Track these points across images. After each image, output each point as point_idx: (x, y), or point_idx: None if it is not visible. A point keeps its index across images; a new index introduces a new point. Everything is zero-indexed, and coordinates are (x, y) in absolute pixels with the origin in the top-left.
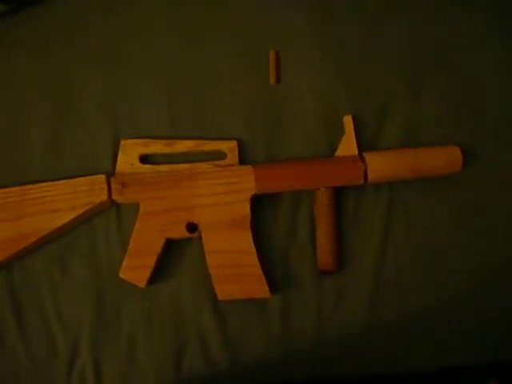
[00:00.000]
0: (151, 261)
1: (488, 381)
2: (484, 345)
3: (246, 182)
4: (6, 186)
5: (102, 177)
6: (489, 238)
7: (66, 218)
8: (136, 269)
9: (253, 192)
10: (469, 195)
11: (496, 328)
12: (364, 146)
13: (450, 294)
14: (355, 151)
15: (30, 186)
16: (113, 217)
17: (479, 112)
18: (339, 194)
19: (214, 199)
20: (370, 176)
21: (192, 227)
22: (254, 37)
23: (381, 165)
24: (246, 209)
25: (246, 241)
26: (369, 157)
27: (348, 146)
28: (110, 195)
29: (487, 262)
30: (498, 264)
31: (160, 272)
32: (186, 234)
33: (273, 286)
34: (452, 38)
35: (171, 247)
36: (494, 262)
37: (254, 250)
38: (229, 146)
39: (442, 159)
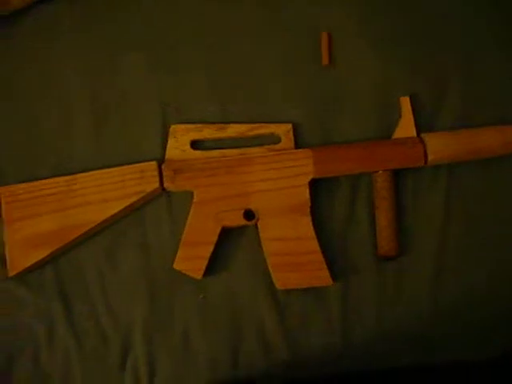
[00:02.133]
0: (207, 251)
1: None
2: None
3: (305, 166)
4: (51, 176)
5: (153, 163)
6: None
7: (115, 207)
8: (191, 259)
9: (311, 176)
10: None
11: None
12: (421, 127)
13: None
14: (414, 133)
15: (76, 176)
16: (163, 205)
17: None
18: (397, 178)
19: (271, 184)
20: (430, 157)
21: (249, 214)
22: (306, 18)
23: (440, 146)
24: (306, 194)
25: (306, 227)
26: (428, 138)
27: (406, 127)
28: (161, 183)
29: None
30: None
31: (214, 262)
32: (243, 222)
33: (332, 274)
34: (503, 24)
35: (225, 236)
36: None
37: (314, 236)
38: (284, 130)
39: (500, 139)
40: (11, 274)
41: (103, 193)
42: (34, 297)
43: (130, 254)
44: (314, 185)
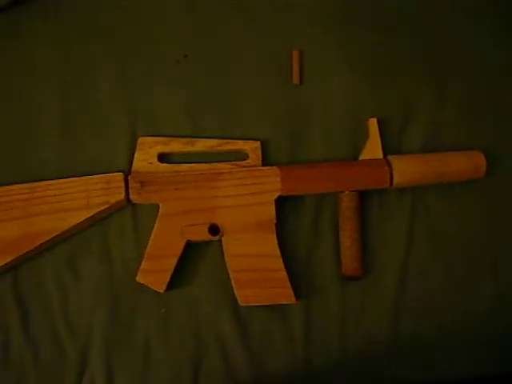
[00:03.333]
0: (171, 264)
1: None
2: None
3: (272, 184)
4: (15, 183)
5: (119, 175)
6: None
7: (78, 217)
8: (155, 272)
9: (278, 194)
10: (493, 201)
11: None
12: (387, 149)
13: (475, 301)
14: (380, 155)
15: (40, 184)
16: (128, 217)
17: (504, 117)
18: (363, 198)
19: (238, 200)
20: (396, 180)
21: (214, 229)
22: (280, 36)
23: (406, 168)
24: (272, 211)
25: (271, 244)
26: (394, 160)
27: (373, 149)
28: (126, 195)
29: None
30: None
31: (178, 276)
32: (208, 237)
33: (296, 292)
34: (477, 45)
35: (189, 250)
36: None
37: (279, 253)
38: (252, 147)
39: (466, 164)
40: None
41: (67, 202)
42: None
43: (92, 265)
44: (280, 202)
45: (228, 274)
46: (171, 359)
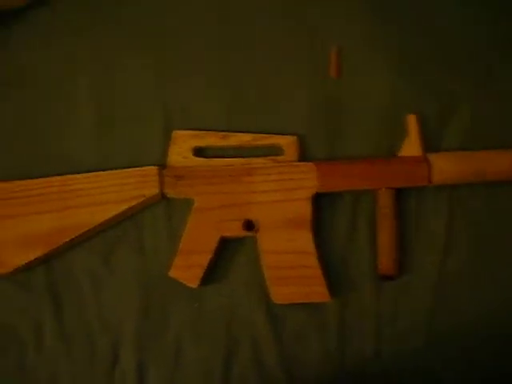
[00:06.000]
0: (205, 260)
1: None
2: None
3: (308, 180)
4: (49, 175)
5: (154, 168)
6: None
7: (113, 211)
8: (188, 268)
9: (315, 190)
10: None
11: None
12: (427, 146)
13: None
14: (419, 151)
15: (74, 176)
16: (161, 212)
17: None
18: (400, 197)
19: (274, 196)
20: (435, 178)
21: (249, 225)
22: (318, 30)
23: (445, 166)
24: (308, 208)
25: (306, 241)
26: (433, 158)
27: (412, 146)
28: (161, 189)
29: None
30: None
31: (211, 272)
32: (243, 233)
33: (330, 290)
34: None
35: (223, 245)
36: None
37: (314, 251)
38: (288, 142)
39: (508, 164)
40: (1, 272)
41: (102, 195)
42: (23, 298)
43: (126, 259)
44: (316, 199)
45: (262, 271)
46: (202, 355)
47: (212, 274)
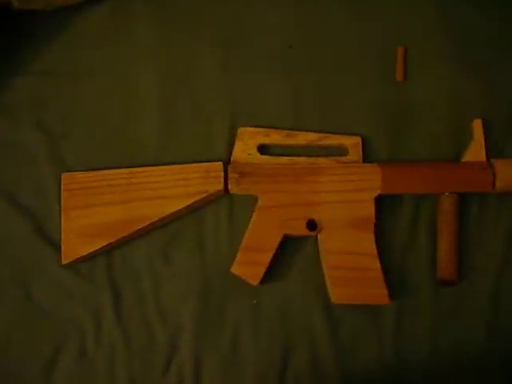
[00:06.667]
0: (267, 257)
1: None
2: None
3: (372, 181)
4: (114, 167)
5: (219, 164)
6: None
7: (177, 205)
8: (250, 265)
9: (378, 192)
10: None
11: None
12: (491, 152)
13: None
14: (484, 157)
15: (140, 169)
16: (224, 208)
17: None
18: (462, 202)
19: (337, 196)
20: (498, 184)
21: (312, 225)
22: (382, 32)
23: (509, 173)
24: (371, 209)
25: (368, 243)
26: (498, 164)
27: (476, 151)
28: (225, 185)
29: None
30: None
31: (271, 270)
32: (306, 232)
33: (389, 292)
34: None
35: (284, 244)
36: None
37: (376, 253)
38: (352, 142)
39: None
40: (64, 261)
41: (166, 189)
42: (84, 288)
43: (186, 254)
44: (378, 201)
45: (322, 271)
46: (259, 352)
47: (272, 271)
